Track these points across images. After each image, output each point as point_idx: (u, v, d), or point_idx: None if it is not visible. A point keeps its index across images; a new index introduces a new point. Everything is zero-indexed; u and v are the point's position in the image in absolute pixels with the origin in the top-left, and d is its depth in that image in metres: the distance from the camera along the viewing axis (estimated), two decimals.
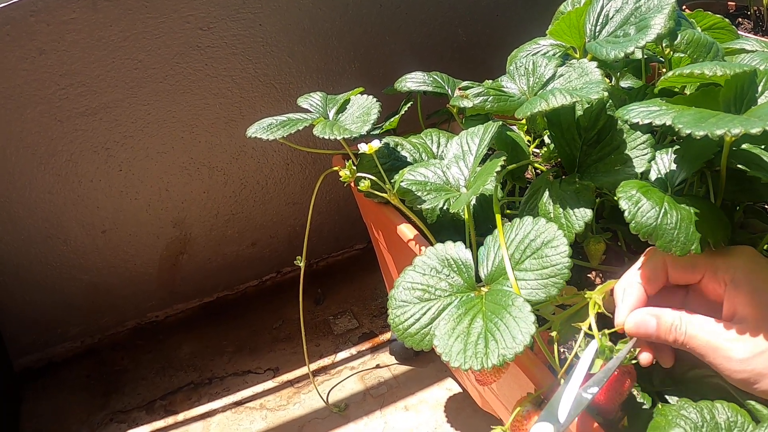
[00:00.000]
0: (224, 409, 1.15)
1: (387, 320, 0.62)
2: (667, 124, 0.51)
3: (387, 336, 1.24)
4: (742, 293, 0.52)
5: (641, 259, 0.59)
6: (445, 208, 0.73)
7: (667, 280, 0.58)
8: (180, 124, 1.12)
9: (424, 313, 0.60)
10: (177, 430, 1.12)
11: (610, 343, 0.56)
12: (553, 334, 0.61)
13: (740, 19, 1.46)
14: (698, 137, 0.47)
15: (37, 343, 1.26)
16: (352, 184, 0.74)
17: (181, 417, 1.14)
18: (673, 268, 0.57)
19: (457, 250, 0.63)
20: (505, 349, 0.52)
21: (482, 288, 0.61)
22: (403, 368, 1.17)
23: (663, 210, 0.55)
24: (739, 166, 0.59)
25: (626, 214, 0.55)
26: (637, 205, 0.55)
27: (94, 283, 1.24)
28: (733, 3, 1.49)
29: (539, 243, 0.58)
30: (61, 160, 1.08)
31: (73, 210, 1.14)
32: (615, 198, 0.57)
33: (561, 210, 0.61)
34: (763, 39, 0.76)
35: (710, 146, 0.60)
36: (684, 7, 1.26)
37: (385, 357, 1.20)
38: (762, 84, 0.54)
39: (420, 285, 0.62)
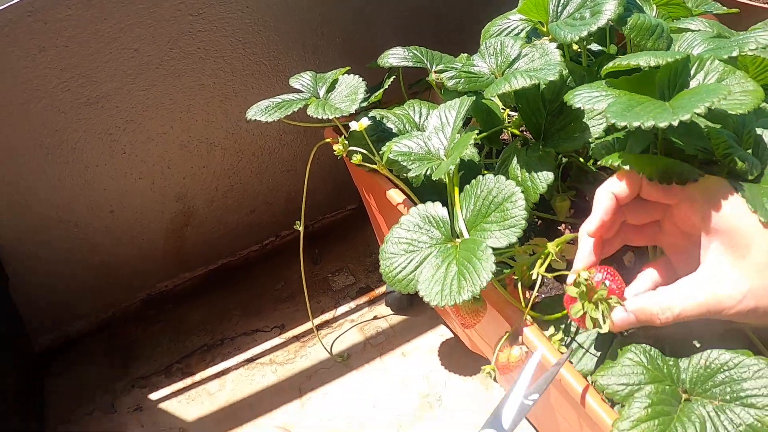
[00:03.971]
0: (237, 366, 1.21)
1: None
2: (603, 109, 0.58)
3: (382, 289, 1.31)
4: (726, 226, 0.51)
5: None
6: (428, 174, 0.82)
7: (640, 191, 0.58)
8: (177, 105, 1.15)
9: (409, 263, 0.70)
10: (196, 389, 1.19)
11: (586, 273, 0.57)
12: (516, 277, 0.72)
13: None
14: (620, 127, 0.54)
15: (54, 323, 1.30)
16: (345, 156, 0.83)
17: (198, 377, 1.20)
18: (647, 182, 0.57)
19: (435, 208, 0.73)
20: (472, 285, 0.62)
21: (457, 239, 0.70)
22: (399, 318, 1.24)
23: None
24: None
25: None
26: None
27: (104, 261, 1.27)
28: None
29: (501, 198, 0.68)
30: (67, 148, 1.10)
31: (82, 194, 1.17)
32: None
33: (527, 174, 0.71)
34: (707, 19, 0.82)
35: None
36: None
37: (382, 309, 1.27)
38: (695, 68, 0.61)
39: (405, 239, 0.71)
